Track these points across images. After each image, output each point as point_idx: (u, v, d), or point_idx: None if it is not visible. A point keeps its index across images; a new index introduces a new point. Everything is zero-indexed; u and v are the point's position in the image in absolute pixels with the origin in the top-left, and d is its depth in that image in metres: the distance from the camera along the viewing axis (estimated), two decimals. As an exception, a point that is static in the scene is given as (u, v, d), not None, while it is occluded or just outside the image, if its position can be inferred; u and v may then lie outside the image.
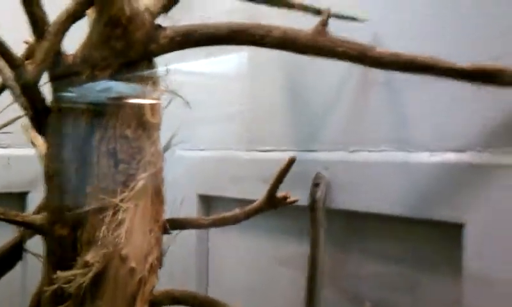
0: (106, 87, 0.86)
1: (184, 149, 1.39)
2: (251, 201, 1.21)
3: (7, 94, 1.14)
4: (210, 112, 1.35)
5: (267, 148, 1.24)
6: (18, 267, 1.26)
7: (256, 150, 1.26)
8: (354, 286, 1.05)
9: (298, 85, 1.17)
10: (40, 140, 0.99)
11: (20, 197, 1.55)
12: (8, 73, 0.94)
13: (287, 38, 0.85)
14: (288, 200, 0.78)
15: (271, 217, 1.02)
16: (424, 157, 0.92)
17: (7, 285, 1.23)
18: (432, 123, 0.92)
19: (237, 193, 1.29)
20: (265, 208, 0.81)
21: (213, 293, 1.15)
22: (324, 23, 0.84)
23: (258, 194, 1.17)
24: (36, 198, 1.35)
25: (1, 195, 1.50)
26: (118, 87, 0.86)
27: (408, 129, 0.96)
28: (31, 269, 1.50)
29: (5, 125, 1.28)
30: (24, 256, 1.27)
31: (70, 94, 0.86)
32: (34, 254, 1.25)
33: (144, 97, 0.88)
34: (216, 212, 1.40)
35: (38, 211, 1.28)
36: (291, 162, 0.75)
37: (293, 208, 0.98)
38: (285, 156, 1.17)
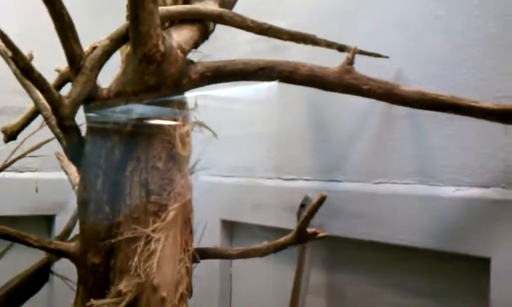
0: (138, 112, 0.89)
1: (208, 174, 1.41)
2: (273, 228, 1.24)
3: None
4: (235, 138, 1.38)
5: (291, 176, 1.26)
6: (45, 289, 1.28)
7: (280, 178, 1.28)
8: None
9: (323, 115, 1.20)
10: (72, 168, 1.02)
11: (47, 220, 1.59)
12: (44, 103, 0.97)
13: (314, 76, 0.87)
14: (318, 236, 0.79)
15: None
16: (449, 191, 0.94)
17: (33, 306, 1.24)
18: (458, 158, 0.94)
19: (259, 220, 1.32)
20: (294, 242, 0.83)
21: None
22: (350, 62, 0.87)
23: (280, 221, 1.20)
24: (63, 221, 1.37)
25: (29, 217, 1.54)
26: (149, 110, 0.89)
27: (433, 163, 0.98)
28: (57, 291, 1.54)
29: (33, 149, 1.32)
30: (50, 278, 1.30)
31: (104, 125, 0.89)
32: (61, 277, 1.29)
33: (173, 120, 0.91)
34: (238, 237, 1.43)
35: (65, 234, 1.32)
36: (322, 199, 0.77)
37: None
38: (308, 185, 1.20)
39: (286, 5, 1.33)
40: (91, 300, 0.87)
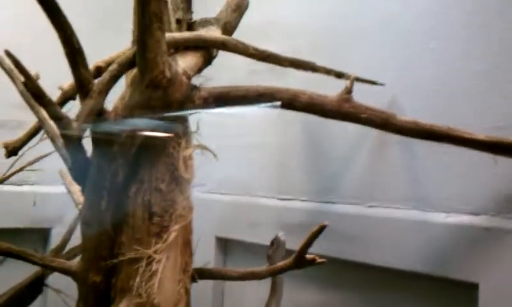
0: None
1: (203, 191, 1.44)
2: (266, 246, 1.26)
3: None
4: (231, 157, 1.41)
5: (287, 196, 1.29)
6: (38, 301, 1.29)
7: (276, 198, 1.31)
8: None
9: (320, 138, 1.23)
10: (75, 187, 1.05)
11: (44, 233, 1.60)
12: (50, 124, 0.99)
13: (313, 104, 0.91)
14: (317, 262, 0.82)
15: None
16: (440, 218, 0.98)
17: None
18: (449, 185, 0.98)
19: (254, 238, 1.34)
20: (293, 267, 0.86)
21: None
22: (348, 91, 0.90)
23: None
24: (59, 234, 1.38)
25: (26, 230, 1.55)
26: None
27: (425, 189, 1.02)
28: (50, 304, 1.56)
29: (31, 163, 1.34)
30: (44, 290, 1.31)
31: (109, 148, 0.91)
32: (55, 290, 1.30)
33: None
34: (233, 254, 1.45)
35: (61, 246, 1.34)
36: (322, 228, 0.80)
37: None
38: (304, 205, 1.23)
39: (282, 30, 1.37)
40: (93, 318, 0.89)
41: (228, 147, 1.34)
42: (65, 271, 0.96)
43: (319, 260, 0.82)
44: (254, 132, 1.35)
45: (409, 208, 1.03)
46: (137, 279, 0.88)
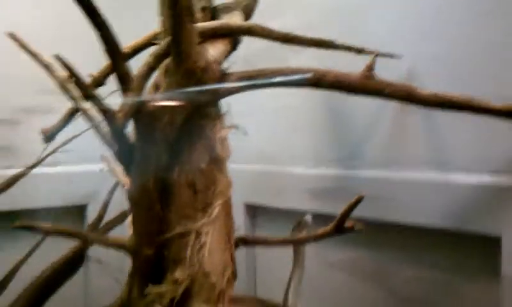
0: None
1: (231, 162, 1.51)
2: (294, 211, 1.35)
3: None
4: (256, 127, 1.48)
5: (313, 164, 1.36)
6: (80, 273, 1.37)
7: (303, 166, 1.39)
8: (401, 291, 1.18)
9: (343, 107, 1.29)
10: (118, 170, 1.12)
11: (80, 210, 1.70)
12: (91, 114, 1.05)
13: (338, 82, 0.97)
14: (356, 228, 0.90)
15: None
16: (461, 178, 1.04)
17: (70, 288, 1.33)
18: (468, 148, 1.03)
19: (281, 204, 1.43)
20: (333, 234, 0.94)
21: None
22: (370, 68, 0.96)
23: (303, 205, 1.30)
24: (94, 210, 1.47)
25: (63, 208, 1.65)
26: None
27: (445, 152, 1.08)
28: (92, 274, 1.66)
29: (65, 144, 1.41)
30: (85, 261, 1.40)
31: (152, 134, 0.98)
32: (96, 261, 1.40)
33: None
34: (261, 220, 1.54)
35: (98, 221, 1.42)
36: (359, 199, 0.88)
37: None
38: (329, 172, 1.31)
39: (295, 4, 1.41)
40: (150, 287, 0.98)
41: (251, 117, 1.41)
42: (120, 246, 1.04)
43: (358, 227, 0.90)
44: (279, 101, 1.41)
45: (431, 170, 1.10)
46: (188, 251, 0.97)
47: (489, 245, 1.01)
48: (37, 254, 1.33)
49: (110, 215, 1.40)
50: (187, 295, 0.96)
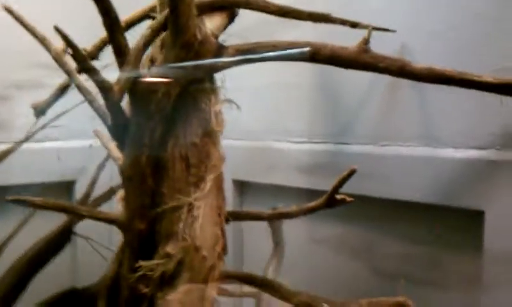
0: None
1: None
2: (283, 187, 1.36)
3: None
4: (245, 103, 1.48)
5: (301, 139, 1.37)
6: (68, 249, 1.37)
7: (290, 141, 1.40)
8: (386, 265, 1.21)
9: (332, 81, 1.29)
10: (111, 145, 1.12)
11: (68, 185, 1.69)
12: (86, 88, 1.05)
13: (334, 56, 0.98)
14: (347, 201, 0.92)
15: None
16: (449, 153, 1.06)
17: (57, 265, 1.34)
18: (456, 123, 1.06)
19: (269, 179, 1.44)
20: (323, 207, 0.95)
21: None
22: (366, 42, 0.98)
23: (289, 181, 1.32)
24: (82, 186, 1.47)
25: (51, 184, 1.63)
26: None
27: (434, 127, 1.10)
28: (79, 250, 1.66)
29: (54, 120, 1.41)
30: (73, 238, 1.41)
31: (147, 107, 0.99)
32: (83, 237, 1.40)
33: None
34: (249, 196, 1.55)
35: (86, 197, 1.42)
36: (352, 172, 0.89)
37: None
38: (318, 147, 1.32)
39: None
40: (140, 261, 0.99)
41: (241, 93, 1.41)
42: (111, 221, 1.05)
43: (348, 200, 0.91)
44: (269, 78, 1.41)
45: (419, 145, 1.12)
46: (181, 225, 0.98)
47: (473, 219, 1.03)
48: (24, 231, 1.33)
49: (98, 192, 1.40)
50: (178, 268, 0.97)
